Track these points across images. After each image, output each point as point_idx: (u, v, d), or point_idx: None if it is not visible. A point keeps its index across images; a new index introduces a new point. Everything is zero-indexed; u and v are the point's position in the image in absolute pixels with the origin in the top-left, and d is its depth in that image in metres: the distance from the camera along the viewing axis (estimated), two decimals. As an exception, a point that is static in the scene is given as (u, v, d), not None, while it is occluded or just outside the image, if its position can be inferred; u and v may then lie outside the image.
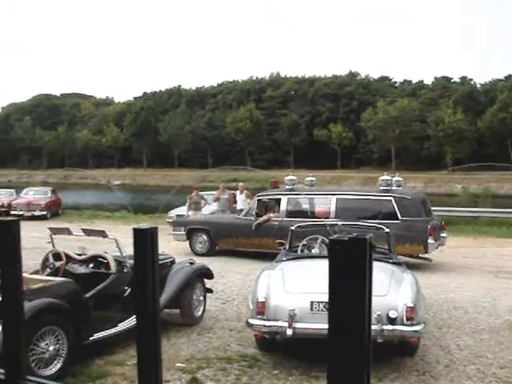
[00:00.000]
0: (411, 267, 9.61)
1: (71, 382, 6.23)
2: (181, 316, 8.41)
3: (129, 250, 6.99)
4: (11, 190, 31.17)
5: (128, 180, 78.44)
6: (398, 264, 7.97)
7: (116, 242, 7.65)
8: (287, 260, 8.12)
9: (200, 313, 8.68)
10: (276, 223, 14.24)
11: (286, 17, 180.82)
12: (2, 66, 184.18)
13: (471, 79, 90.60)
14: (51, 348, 6.09)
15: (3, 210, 27.86)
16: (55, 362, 6.16)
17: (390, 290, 6.55)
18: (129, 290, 7.44)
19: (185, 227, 15.70)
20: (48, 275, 7.34)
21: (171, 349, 7.31)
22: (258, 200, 15.30)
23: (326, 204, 14.16)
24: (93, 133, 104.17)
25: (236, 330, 8.23)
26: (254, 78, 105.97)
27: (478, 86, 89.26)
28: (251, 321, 6.73)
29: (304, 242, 8.91)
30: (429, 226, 13.03)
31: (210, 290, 9.15)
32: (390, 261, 7.88)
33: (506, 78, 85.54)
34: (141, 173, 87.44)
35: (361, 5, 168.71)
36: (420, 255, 13.50)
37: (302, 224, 10.01)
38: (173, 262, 8.79)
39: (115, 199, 45.82)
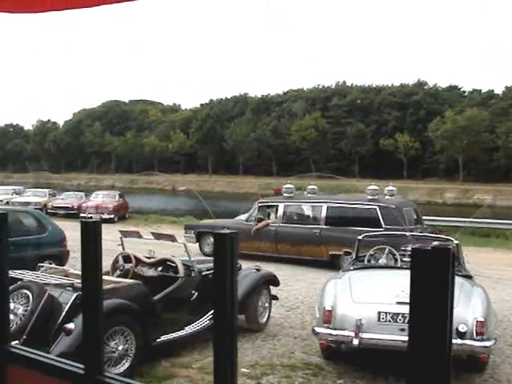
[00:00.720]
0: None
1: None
2: (246, 322, 8.46)
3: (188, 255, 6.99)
4: (81, 194, 32.17)
5: (193, 186, 79.41)
6: (468, 277, 7.80)
7: (185, 246, 7.80)
8: (354, 269, 8.08)
9: (265, 319, 8.72)
10: (273, 228, 15.57)
11: (354, 26, 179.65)
12: (74, 72, 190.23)
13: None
14: (120, 347, 6.24)
15: (73, 212, 28.81)
16: (123, 361, 6.30)
17: (460, 303, 6.41)
18: (196, 294, 7.55)
19: (194, 230, 17.22)
20: (118, 277, 7.52)
21: (236, 354, 7.34)
22: (259, 206, 16.60)
23: (317, 211, 15.42)
24: (160, 139, 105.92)
25: (300, 337, 8.22)
26: (320, 87, 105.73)
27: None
28: (317, 329, 6.72)
29: (371, 251, 8.85)
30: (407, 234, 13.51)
31: (275, 297, 9.18)
32: (460, 273, 7.72)
33: None
34: (206, 179, 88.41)
35: (429, 13, 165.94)
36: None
37: (369, 234, 9.95)
38: (239, 268, 8.86)
39: (180, 204, 46.50)
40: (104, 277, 7.35)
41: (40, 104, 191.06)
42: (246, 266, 13.22)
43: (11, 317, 5.41)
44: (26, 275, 6.56)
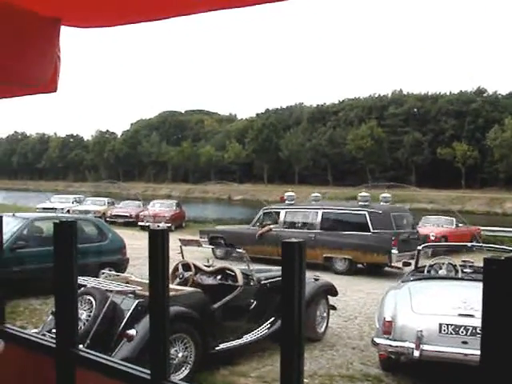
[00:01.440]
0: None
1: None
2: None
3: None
4: (139, 202, 32.66)
5: (248, 196, 79.66)
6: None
7: (244, 255, 7.86)
8: (414, 280, 7.97)
9: (323, 329, 8.69)
10: (275, 233, 16.51)
11: (410, 33, 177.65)
12: (132, 84, 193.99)
13: None
14: (180, 354, 6.32)
15: (131, 220, 29.36)
16: (183, 368, 6.38)
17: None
18: (255, 302, 7.58)
19: (207, 235, 18.49)
20: (177, 285, 7.61)
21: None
22: (264, 213, 18.20)
23: (314, 217, 16.87)
24: (216, 148, 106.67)
25: (358, 348, 8.16)
26: (376, 96, 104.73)
27: None
28: (377, 340, 6.66)
29: (431, 262, 8.73)
30: (393, 238, 14.59)
31: (333, 307, 9.14)
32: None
33: None
34: (261, 188, 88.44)
35: (489, 19, 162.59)
36: (392, 264, 15.07)
37: (429, 244, 9.84)
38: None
39: (236, 213, 46.71)
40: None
41: (99, 115, 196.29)
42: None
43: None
44: (89, 281, 6.71)
